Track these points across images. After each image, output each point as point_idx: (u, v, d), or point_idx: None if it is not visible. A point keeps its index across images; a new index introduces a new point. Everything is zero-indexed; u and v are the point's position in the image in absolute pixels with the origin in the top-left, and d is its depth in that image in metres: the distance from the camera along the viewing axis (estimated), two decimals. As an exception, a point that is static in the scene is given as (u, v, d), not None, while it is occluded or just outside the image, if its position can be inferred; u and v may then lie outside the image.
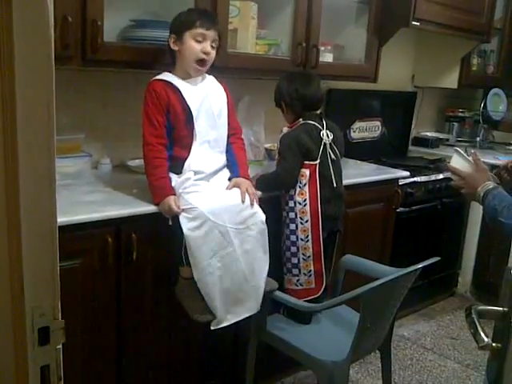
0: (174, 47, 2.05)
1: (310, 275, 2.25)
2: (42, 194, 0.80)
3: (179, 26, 2.03)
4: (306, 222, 2.22)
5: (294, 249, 2.25)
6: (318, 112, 2.33)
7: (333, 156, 2.27)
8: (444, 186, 3.41)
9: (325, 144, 2.24)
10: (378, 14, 3.11)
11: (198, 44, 2.00)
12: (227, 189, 2.09)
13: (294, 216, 2.24)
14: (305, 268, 2.25)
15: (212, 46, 2.03)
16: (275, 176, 2.30)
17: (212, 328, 2.01)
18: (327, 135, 2.26)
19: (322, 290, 2.27)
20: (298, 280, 2.26)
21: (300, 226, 2.23)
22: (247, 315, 2.09)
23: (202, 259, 1.93)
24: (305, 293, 2.26)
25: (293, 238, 2.25)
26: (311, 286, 2.26)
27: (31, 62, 0.76)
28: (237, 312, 2.06)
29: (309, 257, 2.24)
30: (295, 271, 2.27)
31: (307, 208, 2.21)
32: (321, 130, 2.25)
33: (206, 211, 1.92)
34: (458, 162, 1.99)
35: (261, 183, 2.28)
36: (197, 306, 2.00)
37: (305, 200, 2.22)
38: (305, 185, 2.22)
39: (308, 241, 2.23)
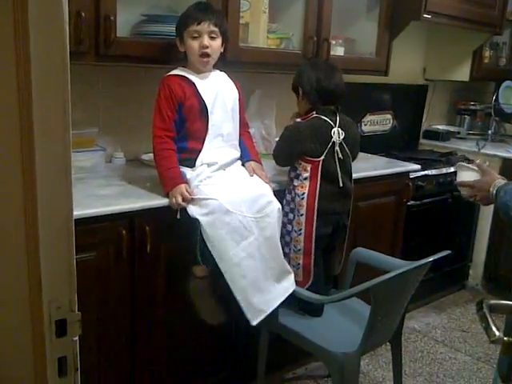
0: (181, 48, 2.10)
1: (298, 268, 2.25)
2: (59, 188, 0.81)
3: (178, 28, 2.09)
4: (302, 215, 2.22)
5: (287, 238, 2.26)
6: (333, 107, 2.28)
7: (340, 155, 2.23)
8: (455, 179, 3.39)
9: (333, 142, 2.21)
10: (389, 7, 3.10)
11: (196, 41, 2.04)
12: (250, 175, 2.15)
13: (293, 206, 2.24)
14: (294, 260, 2.25)
15: (212, 37, 2.05)
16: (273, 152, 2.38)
17: (254, 323, 2.04)
18: (338, 133, 2.22)
19: (308, 285, 2.26)
20: None
21: (296, 218, 2.23)
22: (282, 298, 2.12)
23: (226, 251, 1.96)
24: None
25: (288, 227, 2.25)
26: (298, 278, 2.26)
27: (47, 59, 0.77)
28: (273, 297, 2.10)
29: (299, 250, 2.24)
30: (285, 260, 2.26)
31: (304, 202, 2.21)
32: (332, 128, 2.22)
33: (224, 202, 1.95)
34: (464, 174, 2.01)
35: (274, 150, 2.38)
36: (208, 306, 2.05)
37: (303, 194, 2.21)
38: (306, 179, 2.21)
39: (300, 234, 2.23)
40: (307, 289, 2.23)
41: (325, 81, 2.24)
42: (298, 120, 2.30)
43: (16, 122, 0.76)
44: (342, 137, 2.23)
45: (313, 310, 2.29)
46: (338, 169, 2.24)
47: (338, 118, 2.25)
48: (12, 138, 0.76)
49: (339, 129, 2.23)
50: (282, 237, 2.26)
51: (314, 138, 2.19)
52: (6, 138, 0.77)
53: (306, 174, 2.21)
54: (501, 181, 1.86)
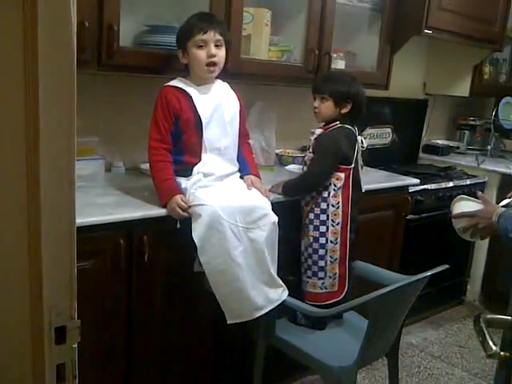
0: (184, 61, 2.09)
1: (335, 278, 2.26)
2: (62, 196, 0.82)
3: (181, 39, 2.07)
4: (338, 224, 2.23)
5: (322, 251, 2.25)
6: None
7: (361, 162, 2.30)
8: (454, 194, 3.40)
9: (358, 149, 2.26)
10: (391, 21, 3.12)
11: (202, 50, 2.03)
12: (248, 188, 2.14)
13: (325, 218, 2.24)
14: (331, 271, 2.25)
15: (217, 46, 2.04)
16: (305, 177, 2.34)
17: (229, 322, 2.02)
18: (362, 142, 2.27)
19: (344, 293, 2.27)
20: (322, 283, 2.26)
21: (331, 228, 2.23)
22: (266, 310, 2.09)
23: (214, 257, 1.95)
24: (327, 296, 2.26)
25: (322, 240, 2.24)
26: (334, 289, 2.26)
27: (54, 67, 0.78)
28: (256, 307, 2.07)
29: (336, 259, 2.24)
30: (321, 274, 2.26)
31: (339, 211, 2.23)
32: (356, 136, 2.27)
33: (219, 209, 1.94)
34: (465, 205, 2.02)
35: (288, 189, 2.33)
36: None
37: (338, 203, 2.23)
38: (339, 188, 2.23)
39: (337, 243, 2.24)
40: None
41: (365, 99, 2.30)
42: (319, 130, 2.30)
43: (22, 129, 0.77)
44: (365, 145, 2.29)
45: (317, 322, 2.28)
46: (361, 175, 2.30)
47: (355, 128, 2.30)
48: (18, 146, 0.77)
49: (362, 137, 2.29)
50: (315, 252, 2.26)
51: (348, 145, 2.23)
52: (12, 146, 0.77)
53: (340, 184, 2.23)
54: (501, 209, 1.90)
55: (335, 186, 2.23)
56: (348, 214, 2.24)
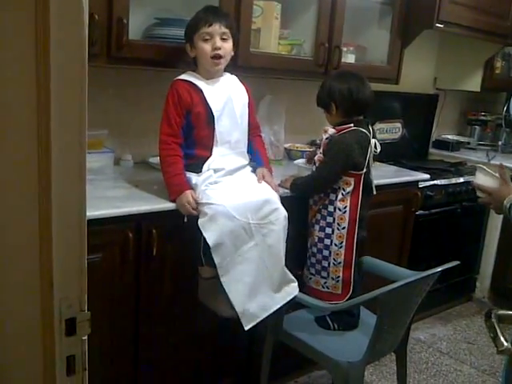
0: (191, 54, 2.09)
1: (338, 281, 2.23)
2: (73, 188, 0.82)
3: (188, 33, 2.08)
4: (343, 228, 2.20)
5: (326, 252, 2.23)
6: (366, 118, 2.27)
7: (372, 164, 2.26)
8: (464, 190, 3.39)
9: (370, 153, 2.21)
10: (402, 15, 3.10)
11: (207, 43, 2.03)
12: (258, 181, 2.14)
13: (331, 221, 2.21)
14: (333, 273, 2.23)
15: (223, 39, 2.04)
16: (312, 179, 2.31)
17: (246, 329, 2.01)
18: (375, 145, 2.22)
19: (347, 298, 2.23)
20: (325, 283, 2.25)
21: (336, 231, 2.21)
22: (278, 306, 2.09)
23: (225, 256, 1.95)
24: (329, 296, 2.24)
25: (327, 241, 2.23)
26: (337, 291, 2.24)
27: (66, 61, 0.79)
28: (269, 304, 2.07)
29: (339, 263, 2.22)
30: (324, 274, 2.25)
31: (346, 215, 2.19)
32: (369, 139, 2.21)
33: (230, 208, 1.94)
34: (483, 178, 2.00)
35: (296, 187, 2.32)
36: (221, 303, 2.03)
37: (345, 207, 2.19)
38: (348, 193, 2.19)
39: (341, 247, 2.21)
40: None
41: (358, 92, 2.20)
42: (332, 130, 2.24)
43: (33, 123, 0.77)
44: (379, 149, 2.23)
45: (349, 323, 2.28)
46: (372, 178, 2.27)
47: (371, 129, 2.25)
48: (29, 139, 0.77)
49: (375, 141, 2.23)
50: (319, 252, 2.25)
51: (360, 151, 2.18)
52: (24, 139, 0.77)
53: (349, 188, 2.19)
54: None
55: (344, 190, 2.19)
56: (356, 218, 2.20)
